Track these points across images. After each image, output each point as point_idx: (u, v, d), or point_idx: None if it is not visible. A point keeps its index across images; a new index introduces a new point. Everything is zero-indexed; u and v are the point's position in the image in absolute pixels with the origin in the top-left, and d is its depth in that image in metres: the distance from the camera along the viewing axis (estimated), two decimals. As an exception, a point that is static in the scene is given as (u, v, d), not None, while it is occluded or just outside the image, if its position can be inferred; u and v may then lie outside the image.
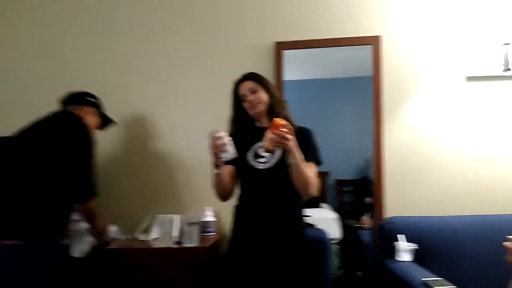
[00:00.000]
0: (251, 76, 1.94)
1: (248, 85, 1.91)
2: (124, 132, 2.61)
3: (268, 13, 2.62)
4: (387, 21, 2.55)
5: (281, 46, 2.56)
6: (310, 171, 1.78)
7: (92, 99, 2.09)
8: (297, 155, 1.69)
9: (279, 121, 1.65)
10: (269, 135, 1.63)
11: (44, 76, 2.71)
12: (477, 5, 2.50)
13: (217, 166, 1.78)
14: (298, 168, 1.71)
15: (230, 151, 1.68)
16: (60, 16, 2.75)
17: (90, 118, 2.05)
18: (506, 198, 2.43)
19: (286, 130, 1.63)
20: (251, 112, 1.91)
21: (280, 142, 1.62)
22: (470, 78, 2.50)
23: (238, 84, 1.94)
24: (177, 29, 2.67)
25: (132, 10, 2.71)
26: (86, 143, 1.85)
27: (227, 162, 1.81)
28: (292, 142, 1.65)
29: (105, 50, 2.70)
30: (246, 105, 1.91)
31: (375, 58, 2.53)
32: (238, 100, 1.94)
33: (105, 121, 2.20)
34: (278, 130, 1.62)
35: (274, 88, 1.98)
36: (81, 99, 2.07)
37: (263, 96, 1.89)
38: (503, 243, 1.51)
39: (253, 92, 1.89)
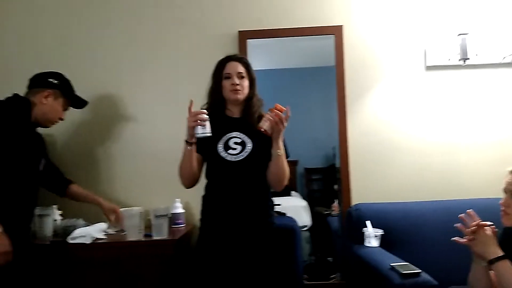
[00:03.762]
0: (244, 61, 1.90)
1: (238, 67, 1.86)
2: (88, 117, 2.54)
3: (232, 2, 2.62)
4: (348, 11, 2.59)
5: (245, 35, 2.56)
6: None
7: (54, 80, 2.04)
8: (282, 147, 1.75)
9: (280, 106, 1.69)
10: (268, 116, 1.68)
11: (10, 62, 2.62)
12: (436, -4, 2.58)
13: (189, 143, 1.76)
14: (280, 160, 1.76)
15: (207, 129, 1.69)
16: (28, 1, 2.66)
17: (51, 101, 2.01)
18: (466, 183, 2.53)
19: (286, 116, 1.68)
20: (231, 95, 1.85)
21: (277, 124, 1.67)
22: (430, 68, 2.58)
23: (228, 60, 1.89)
24: (141, 16, 2.63)
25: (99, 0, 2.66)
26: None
27: (197, 148, 1.80)
28: (281, 133, 1.71)
29: (74, 32, 2.64)
30: (226, 84, 1.85)
31: (337, 47, 2.57)
32: (220, 76, 1.87)
33: (75, 102, 2.15)
34: (279, 110, 1.67)
35: (256, 80, 1.92)
36: (42, 81, 2.03)
37: (246, 85, 1.87)
38: (455, 225, 1.59)
39: (241, 77, 1.85)
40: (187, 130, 1.75)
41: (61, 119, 2.10)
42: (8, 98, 1.94)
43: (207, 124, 1.69)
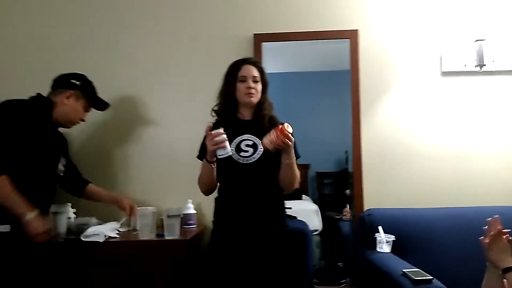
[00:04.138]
0: (259, 65, 1.91)
1: (253, 71, 1.87)
2: (105, 117, 2.56)
3: (248, 5, 2.63)
4: (364, 15, 2.59)
5: (260, 38, 2.57)
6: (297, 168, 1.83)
7: (77, 82, 2.07)
8: (294, 157, 1.75)
9: (287, 128, 1.66)
10: (273, 137, 1.65)
11: (30, 63, 2.66)
12: (452, 2, 2.56)
13: (210, 161, 1.77)
14: (291, 168, 1.77)
15: (228, 149, 1.68)
16: (46, 3, 2.71)
17: (73, 102, 2.04)
18: (481, 190, 2.50)
19: (290, 138, 1.66)
20: (245, 98, 1.86)
21: (280, 146, 1.66)
22: (445, 73, 2.56)
23: (243, 63, 1.89)
24: (158, 21, 2.66)
25: (117, 2, 2.69)
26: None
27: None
28: (290, 144, 1.68)
29: (94, 34, 2.68)
30: (241, 87, 1.86)
31: (353, 51, 2.56)
32: (235, 78, 1.87)
33: (96, 104, 2.18)
34: (283, 135, 1.64)
35: (268, 88, 1.93)
36: (64, 82, 2.06)
37: (260, 90, 1.88)
38: (480, 238, 1.56)
39: (255, 81, 1.86)
40: (207, 151, 1.74)
41: (82, 120, 2.14)
42: (31, 98, 1.99)
43: (227, 144, 1.68)
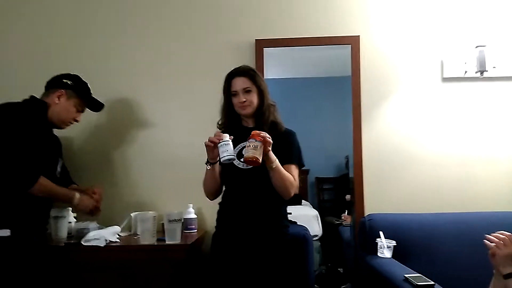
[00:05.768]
0: (249, 73, 1.89)
1: (242, 82, 1.87)
2: (104, 120, 2.57)
3: (250, 10, 2.64)
4: (365, 22, 2.60)
5: (262, 44, 2.58)
6: (291, 173, 1.83)
7: (68, 81, 2.06)
8: (275, 160, 1.74)
9: (257, 132, 1.68)
10: (250, 143, 1.66)
11: (25, 64, 2.66)
12: (453, 8, 2.57)
13: (210, 163, 1.80)
14: (278, 172, 1.76)
15: (231, 153, 1.69)
16: (41, 4, 2.70)
17: (63, 101, 2.03)
18: (482, 196, 2.51)
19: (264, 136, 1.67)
20: (240, 111, 1.90)
21: (266, 147, 1.67)
22: (446, 79, 2.57)
23: (232, 77, 1.90)
24: (159, 25, 2.66)
25: (116, 4, 2.69)
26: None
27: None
28: (269, 148, 1.69)
29: (92, 37, 2.68)
30: (235, 101, 1.89)
31: (354, 57, 2.57)
32: (229, 92, 1.90)
33: (90, 104, 2.18)
34: (260, 136, 1.66)
35: (266, 88, 1.91)
36: (56, 82, 2.06)
37: (255, 98, 1.88)
38: (484, 240, 1.56)
39: (246, 91, 1.87)
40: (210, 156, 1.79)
41: (76, 121, 2.12)
42: (25, 101, 1.98)
43: (229, 148, 1.70)
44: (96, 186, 2.18)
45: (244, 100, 1.86)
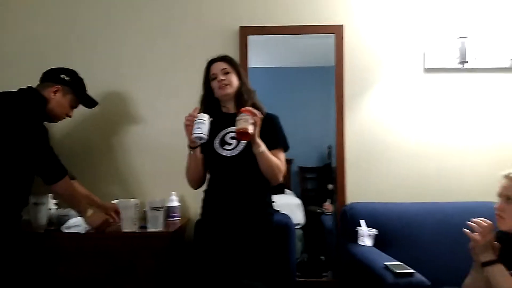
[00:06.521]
0: (226, 58, 1.94)
1: (221, 65, 1.90)
2: (85, 110, 2.51)
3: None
4: (350, 11, 2.60)
5: (246, 31, 2.56)
6: (279, 157, 1.84)
7: (66, 77, 2.05)
8: (262, 144, 1.74)
9: (247, 108, 1.71)
10: (241, 117, 1.68)
11: (14, 59, 2.60)
12: (436, -1, 2.60)
13: (191, 147, 1.79)
14: (265, 157, 1.76)
15: (203, 132, 1.68)
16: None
17: (59, 97, 2.01)
18: (462, 186, 2.55)
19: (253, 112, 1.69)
20: (219, 92, 1.89)
21: (257, 121, 1.69)
22: (428, 70, 2.60)
23: (211, 62, 1.93)
24: (141, 11, 2.62)
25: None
26: (24, 125, 1.83)
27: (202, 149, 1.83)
28: (257, 131, 1.70)
29: (77, 28, 2.63)
30: (214, 84, 1.89)
31: (338, 46, 2.58)
32: (208, 80, 1.92)
33: (85, 101, 2.16)
34: (251, 112, 1.69)
35: (245, 76, 1.98)
36: (54, 76, 2.04)
37: (234, 80, 1.89)
38: (464, 229, 1.58)
39: (225, 73, 1.89)
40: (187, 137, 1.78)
41: (68, 116, 2.11)
42: (22, 91, 1.94)
43: (203, 126, 1.70)
44: (113, 205, 2.21)
45: (223, 78, 1.87)
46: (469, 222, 1.58)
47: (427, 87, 2.60)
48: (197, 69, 2.00)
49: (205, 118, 1.72)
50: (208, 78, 1.92)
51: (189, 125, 1.73)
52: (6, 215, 1.82)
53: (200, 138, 1.70)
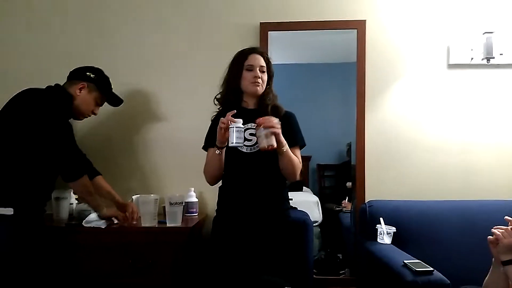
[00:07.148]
0: (266, 56, 1.91)
1: (261, 60, 1.87)
2: (107, 107, 2.53)
3: (254, -7, 2.60)
4: (372, 6, 2.56)
5: (267, 27, 2.54)
6: (296, 155, 1.84)
7: (92, 74, 2.08)
8: (286, 144, 1.74)
9: (261, 120, 1.68)
10: (261, 133, 1.66)
11: (35, 53, 2.64)
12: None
13: (219, 147, 1.79)
14: (288, 156, 1.76)
15: (240, 140, 1.69)
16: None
17: (85, 94, 2.04)
18: (484, 184, 2.50)
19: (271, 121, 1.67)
20: (250, 87, 1.86)
21: (276, 133, 1.67)
22: (452, 66, 2.54)
23: (251, 52, 1.89)
24: (161, 8, 2.63)
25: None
26: (50, 122, 1.86)
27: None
28: (280, 132, 1.69)
29: (97, 27, 2.65)
30: (248, 76, 1.85)
31: (360, 42, 2.54)
32: (241, 67, 1.87)
33: (110, 99, 2.19)
34: (269, 124, 1.66)
35: (272, 79, 1.94)
36: (80, 74, 2.07)
37: (265, 81, 1.88)
38: (488, 237, 1.55)
39: (262, 71, 1.87)
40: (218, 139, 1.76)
41: (94, 113, 2.14)
42: (51, 89, 1.97)
43: (242, 135, 1.70)
44: (131, 205, 2.23)
45: (260, 76, 1.85)
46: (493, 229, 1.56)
47: (451, 84, 2.55)
48: (217, 65, 1.99)
49: (242, 126, 1.70)
50: (242, 65, 1.87)
51: (224, 128, 1.70)
52: (30, 209, 1.85)
53: (238, 146, 1.71)
